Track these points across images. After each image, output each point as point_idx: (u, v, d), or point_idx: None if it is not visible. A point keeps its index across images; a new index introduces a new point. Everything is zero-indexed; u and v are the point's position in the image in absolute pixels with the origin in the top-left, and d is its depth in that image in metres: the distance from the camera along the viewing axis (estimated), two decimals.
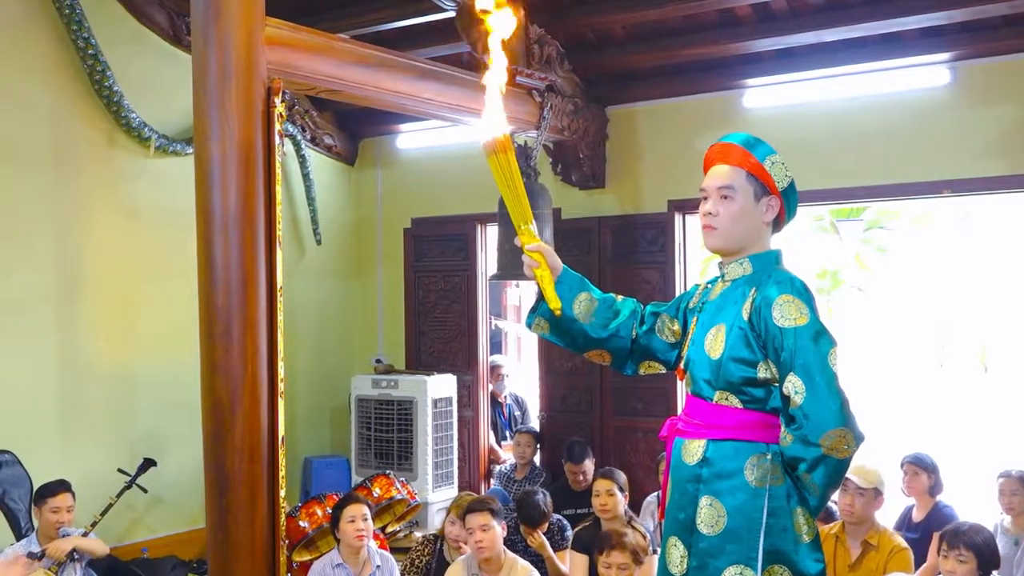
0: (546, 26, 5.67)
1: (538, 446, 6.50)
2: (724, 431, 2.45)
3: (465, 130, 6.51)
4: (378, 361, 7.02)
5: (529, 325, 2.82)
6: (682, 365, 2.65)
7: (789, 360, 2.33)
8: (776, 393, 2.41)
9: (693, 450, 2.49)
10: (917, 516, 4.89)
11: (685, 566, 2.47)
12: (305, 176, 7.11)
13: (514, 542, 4.76)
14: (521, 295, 14.26)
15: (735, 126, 5.68)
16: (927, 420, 12.51)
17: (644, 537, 4.47)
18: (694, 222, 6.09)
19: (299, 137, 7.01)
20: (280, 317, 3.81)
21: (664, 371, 2.82)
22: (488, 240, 6.99)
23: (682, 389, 2.81)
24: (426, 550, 4.78)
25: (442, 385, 6.57)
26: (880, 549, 4.04)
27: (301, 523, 4.86)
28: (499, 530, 4.22)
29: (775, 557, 2.39)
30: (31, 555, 4.36)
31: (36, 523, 4.61)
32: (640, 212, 6.32)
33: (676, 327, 2.73)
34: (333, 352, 7.49)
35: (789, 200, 2.57)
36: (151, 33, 5.94)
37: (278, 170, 3.82)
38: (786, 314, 2.36)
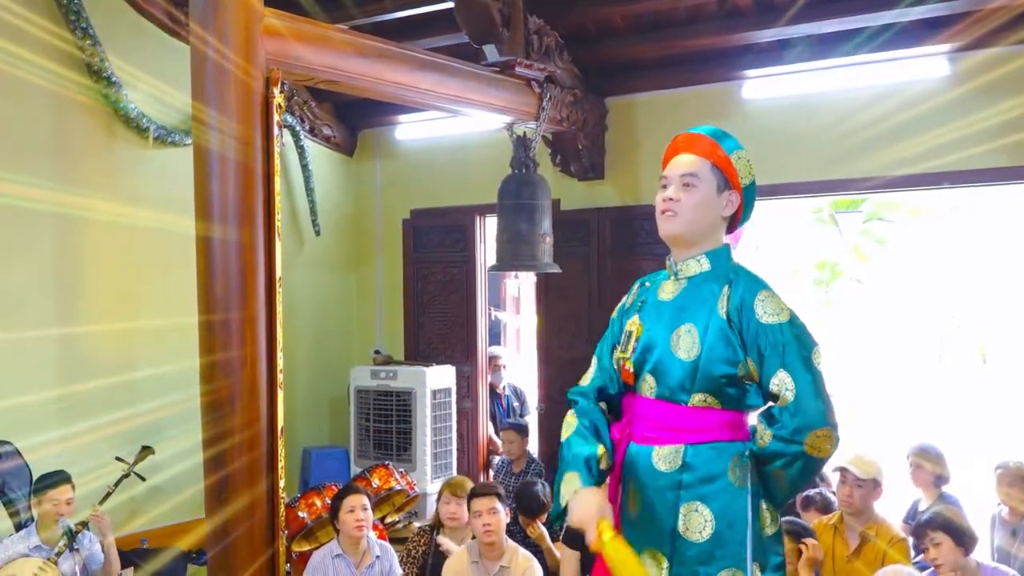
0: (545, 17, 5.66)
1: (525, 439, 6.44)
2: (703, 433, 2.41)
3: (464, 121, 6.50)
4: (377, 352, 7.02)
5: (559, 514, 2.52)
6: (629, 367, 2.52)
7: (775, 358, 2.32)
8: (751, 391, 2.40)
9: (668, 456, 2.43)
10: (924, 508, 4.90)
11: None
12: (304, 167, 7.10)
13: (513, 533, 4.77)
14: (520, 286, 14.23)
15: (734, 117, 5.67)
16: (926, 412, 12.51)
17: None
18: None
19: (298, 128, 7.00)
20: (279, 308, 3.81)
21: None
22: (487, 231, 6.98)
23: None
24: (422, 540, 4.78)
25: (441, 376, 6.59)
26: (879, 539, 4.06)
27: (300, 514, 4.86)
28: (504, 515, 4.27)
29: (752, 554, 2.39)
30: (67, 531, 4.35)
31: (35, 514, 4.61)
32: (639, 203, 6.30)
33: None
34: (332, 343, 7.49)
35: (748, 199, 2.55)
36: (149, 23, 5.92)
37: (277, 161, 3.81)
38: (768, 310, 2.36)
